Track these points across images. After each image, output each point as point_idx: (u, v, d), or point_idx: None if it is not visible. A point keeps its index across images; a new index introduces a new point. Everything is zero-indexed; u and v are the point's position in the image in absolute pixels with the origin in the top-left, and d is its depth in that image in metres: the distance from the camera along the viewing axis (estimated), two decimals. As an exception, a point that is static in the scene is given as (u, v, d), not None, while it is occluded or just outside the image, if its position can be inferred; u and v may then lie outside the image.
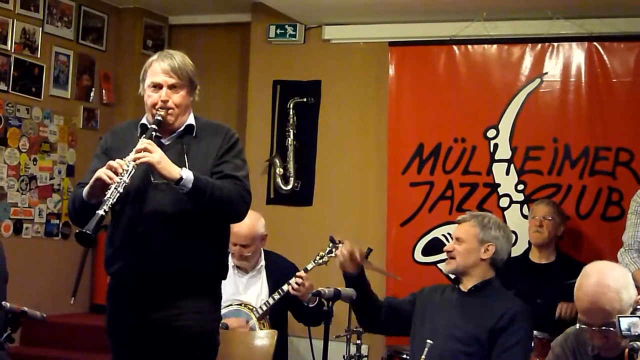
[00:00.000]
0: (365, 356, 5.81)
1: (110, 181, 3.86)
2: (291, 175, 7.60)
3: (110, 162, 3.91)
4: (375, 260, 6.37)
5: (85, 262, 7.96)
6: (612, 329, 3.48)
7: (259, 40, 7.85)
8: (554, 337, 5.11)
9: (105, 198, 3.85)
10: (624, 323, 3.28)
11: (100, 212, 3.82)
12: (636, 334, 3.26)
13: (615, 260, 5.09)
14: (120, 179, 3.87)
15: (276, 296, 5.48)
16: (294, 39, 7.67)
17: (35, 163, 7.46)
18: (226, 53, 8.56)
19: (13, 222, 7.28)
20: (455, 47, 6.98)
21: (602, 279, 3.60)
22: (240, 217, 4.26)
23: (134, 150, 3.95)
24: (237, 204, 4.13)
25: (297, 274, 5.43)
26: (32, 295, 6.77)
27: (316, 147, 7.62)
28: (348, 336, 5.94)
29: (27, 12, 7.35)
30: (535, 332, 5.43)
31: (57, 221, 7.70)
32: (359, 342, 5.83)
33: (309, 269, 5.53)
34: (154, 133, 4.07)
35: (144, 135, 4.05)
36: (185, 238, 4.06)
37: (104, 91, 8.14)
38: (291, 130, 7.63)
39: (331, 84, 7.62)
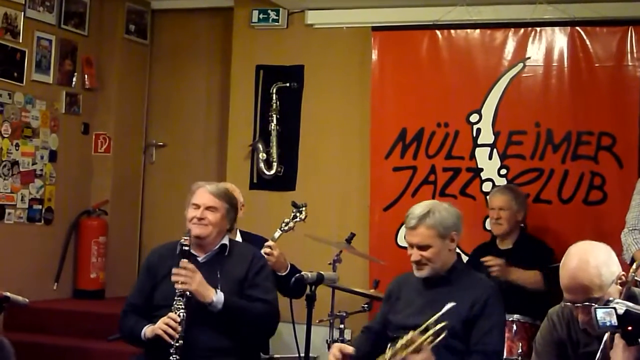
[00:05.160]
0: (349, 340, 5.83)
1: (170, 340, 4.48)
2: (274, 160, 7.60)
3: (167, 320, 4.51)
4: (359, 245, 6.39)
5: (68, 247, 7.94)
6: (594, 304, 3.51)
7: (242, 25, 7.82)
8: (537, 320, 5.17)
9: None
10: (600, 313, 3.30)
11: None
12: (611, 324, 3.28)
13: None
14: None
15: None
16: (276, 23, 7.66)
17: (17, 148, 7.42)
18: (209, 38, 8.54)
19: (-5, 208, 7.27)
20: (438, 32, 6.99)
21: (583, 256, 3.64)
22: (269, 334, 5.03)
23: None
24: (266, 322, 4.78)
25: (266, 244, 5.47)
26: (15, 281, 6.74)
27: (299, 132, 7.62)
28: (331, 320, 5.98)
29: (9, -4, 7.32)
30: (517, 316, 5.48)
31: (40, 206, 7.67)
32: (342, 326, 5.86)
33: (276, 237, 5.56)
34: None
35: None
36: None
37: (86, 76, 8.08)
38: (274, 115, 7.62)
39: (314, 69, 7.61)
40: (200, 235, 4.72)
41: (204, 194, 4.77)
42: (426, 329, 4.06)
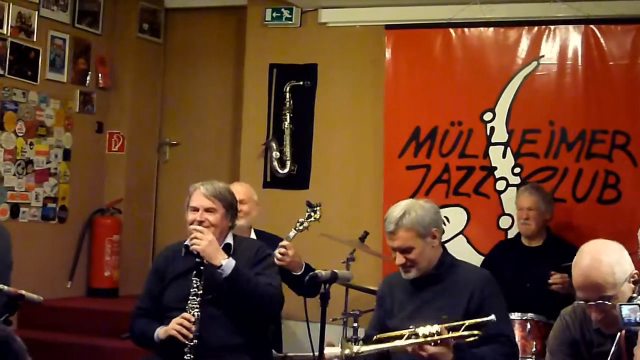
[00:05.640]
0: (362, 339, 5.83)
1: (184, 339, 4.49)
2: (287, 158, 7.60)
3: (180, 320, 4.51)
4: (372, 243, 6.39)
5: (82, 246, 7.96)
6: (607, 302, 3.51)
7: (255, 23, 7.83)
8: (550, 319, 5.16)
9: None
10: (625, 310, 3.30)
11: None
12: (636, 321, 3.27)
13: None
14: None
15: None
16: (290, 22, 7.66)
17: (31, 147, 7.45)
18: (222, 36, 8.55)
19: (10, 206, 7.27)
20: (451, 30, 6.98)
21: (595, 254, 3.64)
22: (271, 313, 4.92)
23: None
24: (269, 300, 4.70)
25: (280, 243, 5.47)
26: (29, 279, 6.74)
27: (312, 131, 7.62)
28: (344, 319, 5.98)
29: (23, -5, 7.34)
30: (531, 315, 5.47)
31: (54, 205, 7.70)
32: (355, 325, 5.87)
33: (291, 237, 5.54)
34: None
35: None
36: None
37: (99, 75, 8.10)
38: (287, 114, 7.63)
39: (327, 68, 7.61)
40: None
41: (200, 196, 4.74)
42: (456, 328, 4.04)
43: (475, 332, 4.01)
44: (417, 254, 4.31)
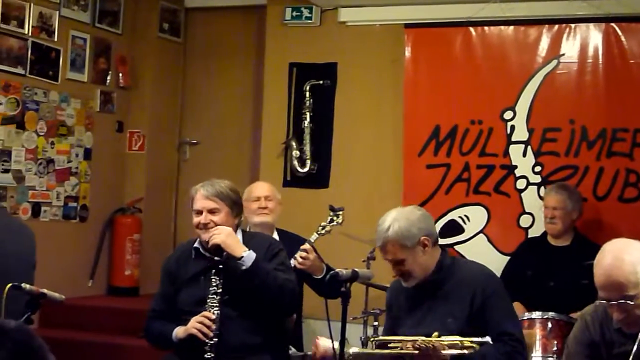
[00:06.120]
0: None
1: (204, 338, 4.50)
2: (307, 157, 7.60)
3: (200, 319, 4.51)
4: (392, 243, 6.37)
5: (102, 244, 8.00)
6: (629, 302, 3.49)
7: (275, 22, 7.84)
8: (571, 319, 5.14)
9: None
10: None
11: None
12: None
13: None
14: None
15: None
16: (309, 21, 7.67)
17: (52, 146, 7.48)
18: (242, 36, 8.56)
19: (31, 205, 7.30)
20: (471, 29, 6.96)
21: (617, 253, 3.62)
22: (289, 308, 4.92)
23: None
24: (289, 293, 4.66)
25: (302, 247, 5.46)
26: (50, 278, 6.78)
27: (332, 130, 7.62)
28: (365, 318, 5.99)
29: (44, -5, 7.37)
30: (552, 314, 5.44)
31: (75, 204, 7.73)
32: (376, 323, 5.87)
33: (312, 241, 5.53)
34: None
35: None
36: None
37: (120, 74, 8.14)
38: (307, 113, 7.63)
39: (347, 66, 7.61)
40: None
41: (202, 199, 4.69)
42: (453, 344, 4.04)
43: (473, 346, 4.03)
44: (410, 264, 4.27)
